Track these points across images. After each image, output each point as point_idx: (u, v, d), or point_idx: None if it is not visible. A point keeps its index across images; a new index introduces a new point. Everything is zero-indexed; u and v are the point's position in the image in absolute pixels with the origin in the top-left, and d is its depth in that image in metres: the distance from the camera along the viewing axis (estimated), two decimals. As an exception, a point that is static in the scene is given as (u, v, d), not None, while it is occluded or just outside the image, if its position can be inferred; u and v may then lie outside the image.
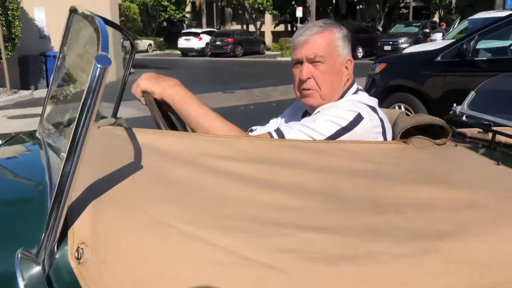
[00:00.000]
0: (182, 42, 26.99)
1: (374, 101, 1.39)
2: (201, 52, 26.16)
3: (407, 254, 0.83)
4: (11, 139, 1.66)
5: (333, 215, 0.92)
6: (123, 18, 16.48)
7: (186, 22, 37.03)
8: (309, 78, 1.35)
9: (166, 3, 32.30)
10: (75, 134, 0.73)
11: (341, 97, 1.39)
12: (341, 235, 0.86)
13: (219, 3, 35.37)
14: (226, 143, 1.16)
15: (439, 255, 0.84)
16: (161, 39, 33.50)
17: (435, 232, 0.89)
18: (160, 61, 22.84)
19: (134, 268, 0.77)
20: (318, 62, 1.34)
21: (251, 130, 1.58)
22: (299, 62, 1.37)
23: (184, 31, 28.21)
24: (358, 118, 1.26)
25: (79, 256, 0.78)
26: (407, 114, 1.42)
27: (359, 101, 1.35)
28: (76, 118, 0.72)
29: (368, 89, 5.57)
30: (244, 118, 7.39)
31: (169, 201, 0.89)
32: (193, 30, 28.73)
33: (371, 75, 5.93)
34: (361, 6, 31.86)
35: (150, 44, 30.84)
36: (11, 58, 10.64)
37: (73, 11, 1.36)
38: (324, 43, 1.34)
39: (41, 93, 10.59)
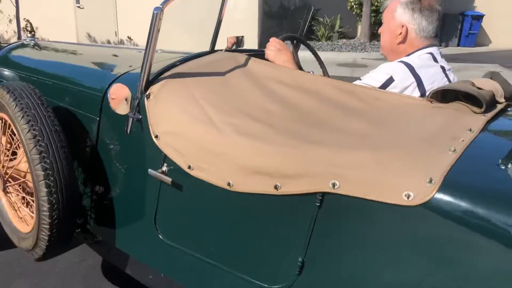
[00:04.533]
0: None
1: (426, 62, 1.59)
2: None
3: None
4: None
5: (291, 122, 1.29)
6: None
7: None
8: (381, 32, 1.78)
9: None
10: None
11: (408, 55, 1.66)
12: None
13: None
14: (292, 74, 1.55)
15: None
16: None
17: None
18: None
19: (168, 104, 1.41)
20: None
21: None
22: None
23: None
24: (389, 81, 1.54)
25: (149, 96, 1.46)
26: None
27: (409, 62, 1.57)
28: None
29: None
30: None
31: (211, 91, 1.44)
32: None
33: None
34: None
35: None
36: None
37: None
38: (390, 8, 1.71)
39: (449, 50, 10.97)
